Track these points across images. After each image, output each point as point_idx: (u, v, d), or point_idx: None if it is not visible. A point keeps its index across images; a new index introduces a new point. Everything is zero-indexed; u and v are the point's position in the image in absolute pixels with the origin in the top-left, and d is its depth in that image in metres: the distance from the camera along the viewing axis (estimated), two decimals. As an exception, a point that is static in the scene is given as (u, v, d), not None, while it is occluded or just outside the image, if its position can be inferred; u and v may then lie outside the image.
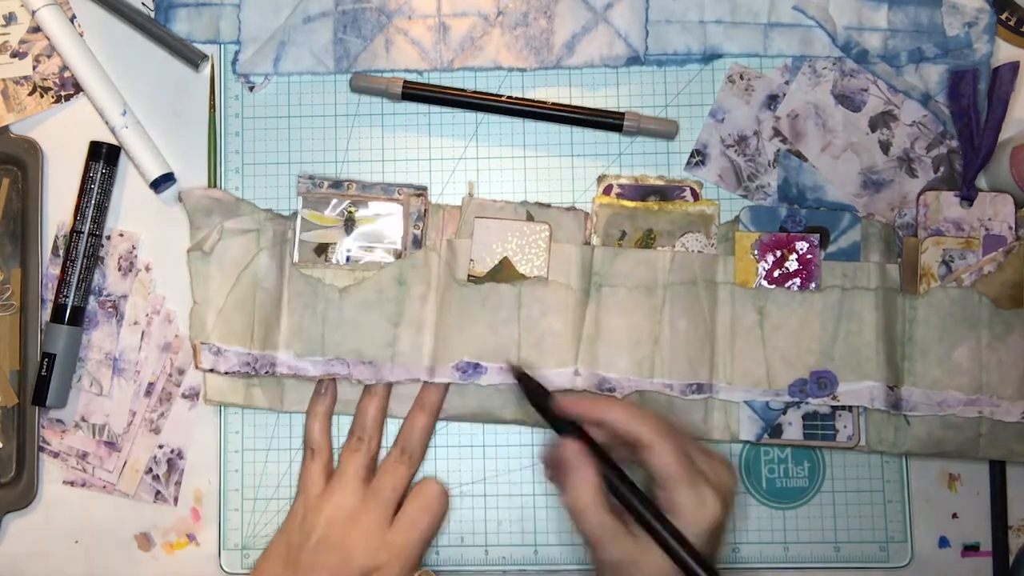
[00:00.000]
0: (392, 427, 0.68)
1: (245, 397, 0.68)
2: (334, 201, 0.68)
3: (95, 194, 0.69)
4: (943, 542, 0.68)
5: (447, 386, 0.66)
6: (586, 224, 0.68)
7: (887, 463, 0.68)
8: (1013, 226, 0.66)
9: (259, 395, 0.68)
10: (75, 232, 0.68)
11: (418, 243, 0.67)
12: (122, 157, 0.70)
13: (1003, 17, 0.69)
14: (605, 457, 0.57)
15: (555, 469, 0.59)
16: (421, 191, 0.68)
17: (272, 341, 0.66)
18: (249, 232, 0.67)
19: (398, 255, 0.67)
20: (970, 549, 0.68)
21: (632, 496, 0.56)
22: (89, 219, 0.68)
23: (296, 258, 0.67)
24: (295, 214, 0.68)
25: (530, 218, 0.67)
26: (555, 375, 0.65)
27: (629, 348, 0.66)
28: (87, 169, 0.69)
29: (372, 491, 0.64)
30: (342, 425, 0.69)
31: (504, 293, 0.66)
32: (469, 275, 0.66)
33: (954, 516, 0.68)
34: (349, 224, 0.68)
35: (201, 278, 0.66)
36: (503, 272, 0.66)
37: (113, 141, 0.70)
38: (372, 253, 0.68)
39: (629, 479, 0.57)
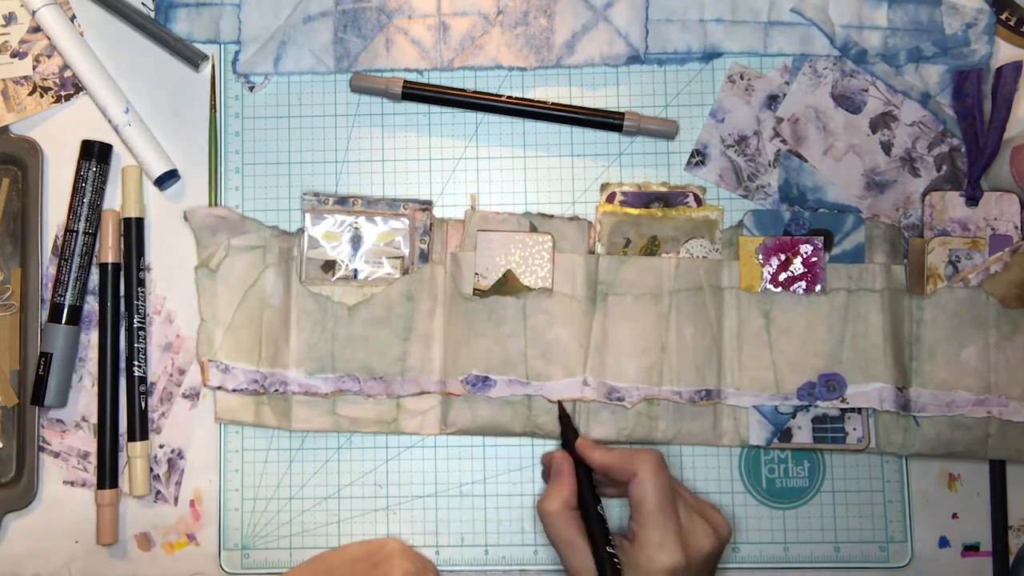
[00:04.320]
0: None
1: (255, 415, 0.66)
2: (340, 217, 0.66)
3: (87, 193, 0.67)
4: (943, 542, 0.66)
5: None
6: (590, 233, 0.66)
7: (887, 463, 0.66)
8: (1019, 225, 0.65)
9: (268, 413, 0.66)
10: (69, 231, 0.66)
11: (424, 257, 0.66)
12: (116, 156, 0.69)
13: (1003, 17, 0.68)
14: (588, 479, 0.59)
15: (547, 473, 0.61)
16: (426, 205, 0.67)
17: (282, 359, 0.65)
18: (255, 249, 0.66)
19: (405, 269, 0.66)
20: (970, 549, 0.66)
21: (592, 516, 0.57)
22: (83, 218, 0.66)
23: (303, 276, 0.66)
24: (301, 231, 0.66)
25: (533, 229, 0.66)
26: (563, 385, 0.64)
27: (637, 356, 0.64)
28: (78, 168, 0.67)
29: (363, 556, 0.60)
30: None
31: (509, 306, 0.64)
32: (474, 289, 0.65)
33: (954, 516, 0.66)
34: (356, 240, 0.66)
35: (208, 295, 0.66)
36: (507, 285, 0.65)
37: (112, 139, 0.68)
38: (379, 268, 0.66)
39: (598, 506, 0.58)
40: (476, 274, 0.65)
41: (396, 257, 0.66)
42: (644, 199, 0.66)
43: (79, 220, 0.66)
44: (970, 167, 0.66)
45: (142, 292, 0.67)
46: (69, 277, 0.66)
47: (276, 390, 0.65)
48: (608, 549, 0.56)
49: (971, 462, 0.66)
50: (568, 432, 0.62)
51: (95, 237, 0.67)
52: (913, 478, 0.66)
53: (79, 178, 0.66)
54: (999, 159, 0.65)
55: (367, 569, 0.58)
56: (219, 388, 0.65)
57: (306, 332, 0.65)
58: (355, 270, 0.66)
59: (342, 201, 0.67)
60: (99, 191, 0.67)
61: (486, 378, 0.64)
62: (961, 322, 0.63)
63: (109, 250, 0.67)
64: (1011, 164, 0.64)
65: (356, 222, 0.66)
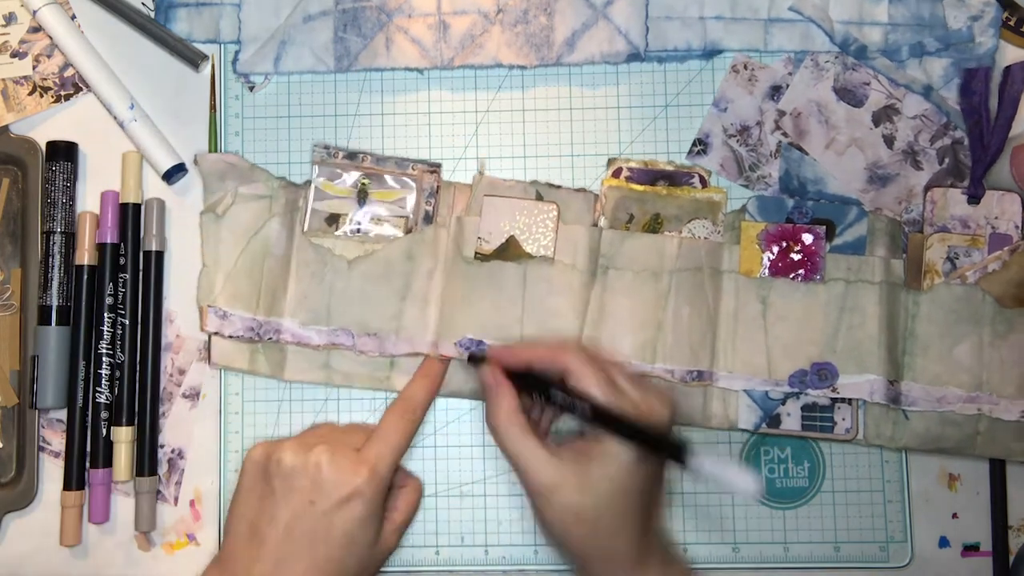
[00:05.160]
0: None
1: (249, 363, 0.66)
2: (349, 172, 0.66)
3: (53, 192, 0.66)
4: (943, 542, 0.66)
5: (449, 362, 0.64)
6: (595, 206, 0.66)
7: (887, 463, 0.65)
8: (1020, 225, 0.65)
9: (262, 362, 0.65)
10: (45, 234, 0.66)
11: (429, 219, 0.66)
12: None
13: (1003, 17, 0.67)
14: (525, 377, 0.57)
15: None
16: (435, 168, 0.66)
17: (278, 308, 0.65)
18: (262, 198, 0.65)
19: (408, 230, 0.65)
20: (970, 549, 0.66)
21: (564, 394, 0.55)
22: (57, 219, 0.66)
23: (307, 227, 0.65)
24: (308, 183, 0.66)
25: (539, 198, 0.66)
26: None
27: (632, 331, 0.64)
28: (42, 171, 0.67)
29: (352, 425, 0.60)
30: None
31: (509, 272, 0.64)
32: (476, 253, 0.65)
33: (954, 516, 0.66)
34: (362, 196, 0.66)
35: (212, 241, 0.65)
36: (509, 250, 0.65)
37: (116, 136, 0.68)
38: (383, 227, 0.65)
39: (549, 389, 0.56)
40: (479, 238, 0.64)
41: (401, 217, 0.65)
42: (650, 176, 0.66)
43: (54, 222, 0.66)
44: (974, 165, 0.65)
45: (124, 278, 0.66)
46: (52, 279, 0.65)
47: (270, 338, 0.64)
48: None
49: (960, 459, 0.65)
50: (479, 361, 0.60)
51: (74, 236, 0.67)
52: (913, 478, 0.65)
53: (45, 180, 0.66)
54: (1001, 158, 0.64)
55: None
56: (216, 334, 0.65)
57: (304, 282, 0.64)
58: (359, 226, 0.65)
59: (352, 156, 0.66)
60: (65, 190, 0.66)
61: (480, 342, 0.63)
62: (957, 319, 0.63)
63: (85, 252, 0.66)
64: (1011, 164, 0.64)
65: (364, 179, 0.65)
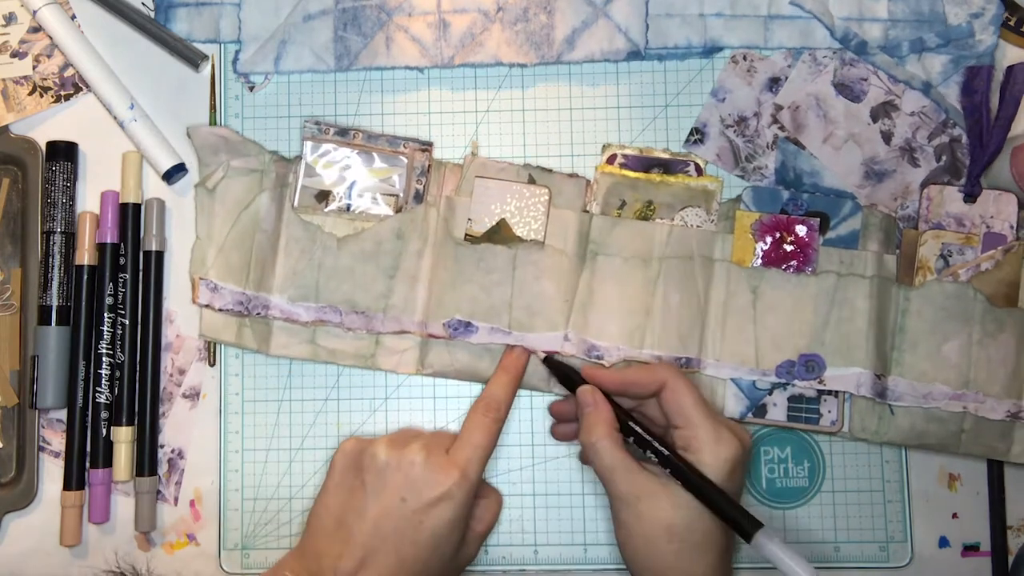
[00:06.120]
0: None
1: (237, 336, 0.65)
2: (341, 151, 0.65)
3: (54, 192, 0.66)
4: (943, 542, 0.65)
5: (529, 355, 0.64)
6: (586, 191, 0.66)
7: (887, 463, 0.65)
8: (1014, 225, 0.64)
9: (249, 335, 0.65)
10: (45, 234, 0.66)
11: (420, 198, 0.65)
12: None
13: (1004, 16, 0.66)
14: (619, 407, 0.59)
15: (562, 419, 0.63)
16: (427, 146, 0.66)
17: (267, 283, 0.64)
18: (253, 172, 0.65)
19: (398, 208, 0.65)
20: (970, 549, 0.65)
21: (648, 435, 0.57)
22: (57, 219, 0.66)
23: (296, 203, 0.65)
24: (298, 158, 0.66)
25: (531, 181, 0.65)
26: (544, 338, 0.63)
27: (620, 317, 0.64)
28: (42, 170, 0.67)
29: (438, 432, 0.60)
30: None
31: (499, 255, 0.64)
32: (466, 234, 0.64)
33: (954, 516, 0.65)
34: (352, 173, 0.65)
35: (205, 214, 0.65)
36: (500, 233, 0.64)
37: (116, 136, 0.67)
38: (372, 204, 0.65)
39: (643, 424, 0.58)
40: (469, 220, 0.64)
41: (391, 195, 0.65)
42: (644, 164, 0.66)
43: (54, 222, 0.65)
44: (972, 163, 0.65)
45: (124, 278, 0.65)
46: (52, 279, 0.65)
47: (258, 313, 0.64)
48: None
49: (944, 455, 0.65)
50: (568, 374, 0.62)
51: (74, 236, 0.66)
52: (913, 478, 0.65)
53: (45, 180, 0.66)
54: (1000, 158, 0.64)
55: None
56: (207, 306, 0.64)
57: (292, 259, 0.64)
58: (348, 203, 0.65)
59: (343, 132, 0.66)
60: (65, 190, 0.66)
61: (468, 324, 0.63)
62: (947, 315, 0.63)
63: (85, 252, 0.66)
64: (1011, 164, 0.63)
65: (355, 155, 0.65)
